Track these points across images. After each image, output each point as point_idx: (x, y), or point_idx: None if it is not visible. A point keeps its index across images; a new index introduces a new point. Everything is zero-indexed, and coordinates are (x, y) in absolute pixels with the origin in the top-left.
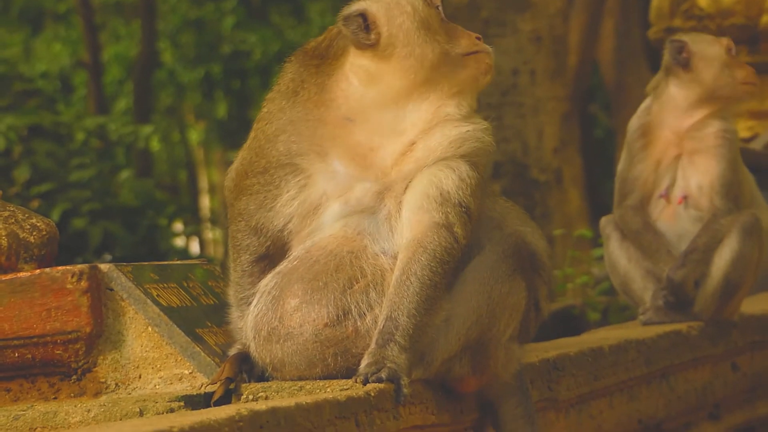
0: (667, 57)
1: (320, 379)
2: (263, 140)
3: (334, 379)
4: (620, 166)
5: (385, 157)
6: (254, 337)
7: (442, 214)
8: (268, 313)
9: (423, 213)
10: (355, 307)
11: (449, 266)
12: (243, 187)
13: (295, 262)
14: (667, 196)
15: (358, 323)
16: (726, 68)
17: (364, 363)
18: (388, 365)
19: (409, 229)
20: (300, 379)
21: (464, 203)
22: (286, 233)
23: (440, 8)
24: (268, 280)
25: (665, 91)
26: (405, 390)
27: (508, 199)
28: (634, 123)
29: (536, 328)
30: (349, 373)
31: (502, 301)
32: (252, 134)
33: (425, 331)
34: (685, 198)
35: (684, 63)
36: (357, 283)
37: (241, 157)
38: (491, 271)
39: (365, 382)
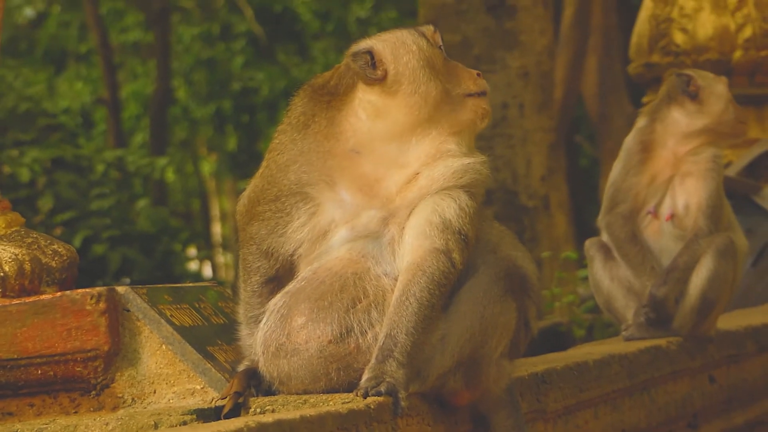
0: (671, 87)
1: (324, 392)
2: (275, 169)
3: (337, 392)
4: (614, 175)
5: (389, 186)
6: (263, 353)
7: (443, 240)
8: (276, 330)
9: (424, 239)
10: (358, 325)
11: (446, 289)
12: (255, 213)
13: (302, 283)
14: (655, 212)
15: (360, 340)
16: (730, 105)
17: (364, 378)
18: (387, 380)
19: (410, 253)
20: (305, 392)
21: (463, 231)
22: (295, 257)
23: (442, 48)
24: (277, 300)
25: (668, 116)
26: (403, 403)
27: (501, 225)
28: (635, 137)
29: (526, 344)
30: (350, 387)
31: (494, 321)
32: (264, 163)
33: (422, 348)
34: (672, 216)
35: (693, 95)
36: (360, 302)
37: (253, 185)
38: (485, 293)
39: (365, 395)
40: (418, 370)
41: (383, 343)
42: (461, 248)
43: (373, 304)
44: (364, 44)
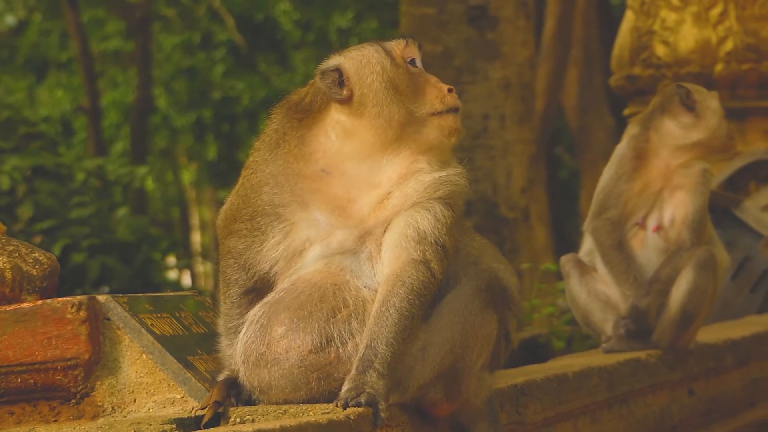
0: (666, 98)
1: (304, 402)
2: (249, 189)
3: (317, 402)
4: (604, 180)
5: (363, 207)
6: (243, 362)
7: (420, 251)
8: (256, 340)
9: (401, 250)
10: (338, 335)
11: (425, 299)
12: (232, 230)
13: (281, 294)
14: (642, 223)
15: (340, 350)
16: (723, 120)
17: (344, 388)
18: (367, 390)
19: (388, 265)
20: (285, 401)
21: (440, 241)
22: (272, 273)
23: (416, 60)
24: (257, 310)
25: (662, 126)
26: (382, 414)
27: (483, 237)
28: (629, 144)
29: (506, 356)
30: (331, 396)
31: (475, 333)
32: (240, 180)
33: (402, 358)
34: (658, 228)
35: (690, 108)
36: (340, 312)
37: (230, 201)
38: (466, 305)
39: (345, 406)
40: (399, 380)
41: (363, 354)
42: (440, 258)
43: (353, 314)
44: (333, 61)
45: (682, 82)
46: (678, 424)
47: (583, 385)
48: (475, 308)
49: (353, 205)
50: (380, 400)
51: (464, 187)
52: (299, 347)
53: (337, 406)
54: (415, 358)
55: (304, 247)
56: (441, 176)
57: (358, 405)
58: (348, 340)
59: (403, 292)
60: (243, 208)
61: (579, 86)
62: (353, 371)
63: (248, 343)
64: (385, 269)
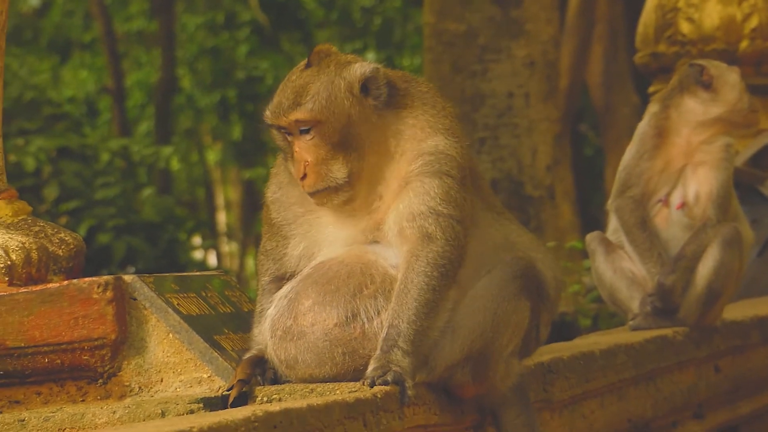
0: (683, 77)
1: (330, 378)
2: (268, 201)
3: (343, 380)
4: (626, 159)
5: (367, 218)
6: (271, 337)
7: (428, 226)
8: (284, 314)
9: (411, 229)
10: (364, 310)
11: (446, 271)
12: (265, 226)
13: (310, 270)
14: (666, 201)
15: (366, 326)
16: (744, 94)
17: (370, 367)
18: (393, 369)
19: (403, 244)
20: (311, 378)
21: (446, 212)
22: (300, 266)
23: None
24: (285, 288)
25: (682, 103)
26: (409, 392)
27: (521, 225)
28: (650, 122)
29: (535, 349)
30: (356, 374)
31: (506, 318)
32: (267, 185)
33: (427, 334)
34: (682, 205)
35: (706, 84)
36: (366, 288)
37: (264, 200)
38: (500, 290)
39: (372, 384)
40: (426, 358)
41: (387, 334)
42: (451, 226)
43: (380, 291)
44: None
45: (697, 60)
46: (704, 401)
47: (610, 362)
48: (508, 294)
49: (358, 219)
50: (407, 378)
51: (457, 153)
52: (324, 320)
53: (363, 384)
54: (444, 337)
55: (322, 246)
56: (430, 153)
57: (385, 383)
58: (374, 316)
59: (419, 267)
60: (266, 213)
61: (603, 64)
62: (378, 350)
63: (276, 317)
64: (402, 249)
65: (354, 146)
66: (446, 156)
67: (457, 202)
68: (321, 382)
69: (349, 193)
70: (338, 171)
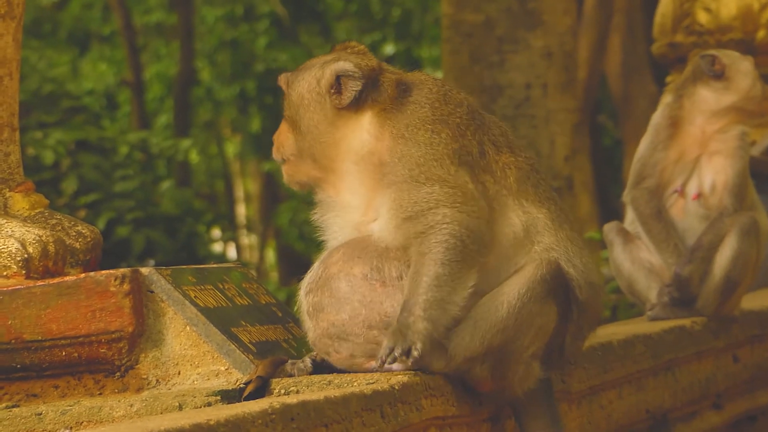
0: (695, 67)
1: (346, 324)
2: None
3: (356, 339)
4: (641, 150)
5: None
6: (305, 294)
7: (427, 194)
8: (317, 270)
9: (407, 208)
10: (388, 269)
11: (461, 238)
12: None
13: (338, 242)
14: (682, 191)
15: (387, 283)
16: (757, 82)
17: (383, 345)
18: (404, 340)
19: (413, 226)
20: (330, 327)
21: (434, 175)
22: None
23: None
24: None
25: (695, 93)
26: (415, 352)
27: (572, 227)
28: (663, 113)
29: (560, 362)
30: (369, 335)
31: (530, 319)
32: None
33: (444, 307)
34: (698, 195)
35: (718, 74)
36: (392, 252)
37: None
38: (527, 289)
39: (381, 364)
40: (446, 347)
41: (402, 306)
42: (446, 189)
43: (404, 260)
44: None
45: (709, 50)
46: (722, 391)
47: (628, 353)
48: (534, 295)
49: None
50: (416, 341)
51: (424, 111)
52: (350, 268)
53: (378, 363)
54: (465, 328)
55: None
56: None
57: (393, 360)
58: (396, 278)
59: (432, 239)
60: None
61: (621, 54)
62: (390, 330)
63: (310, 273)
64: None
65: (307, 130)
66: (415, 117)
67: (444, 159)
68: (338, 336)
69: (298, 170)
70: (288, 147)
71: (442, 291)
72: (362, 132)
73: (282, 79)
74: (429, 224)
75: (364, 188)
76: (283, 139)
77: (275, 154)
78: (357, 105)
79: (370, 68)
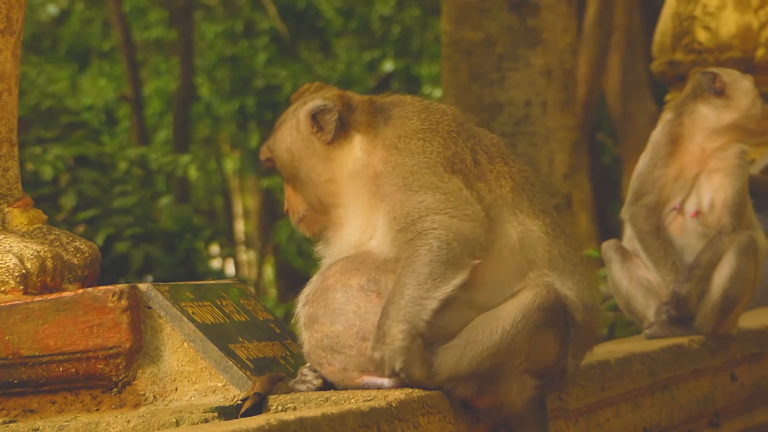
0: (696, 84)
1: (340, 335)
2: None
3: (350, 351)
4: (640, 167)
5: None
6: (303, 305)
7: (414, 204)
8: (315, 282)
9: (402, 217)
10: (385, 283)
11: (444, 241)
12: None
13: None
14: (680, 209)
15: (383, 297)
16: (757, 101)
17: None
18: (382, 351)
19: (403, 236)
20: (324, 338)
21: (417, 183)
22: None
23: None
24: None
25: (695, 110)
26: (397, 365)
27: (570, 245)
28: (663, 130)
29: (562, 382)
30: (361, 349)
31: (522, 346)
32: None
33: (422, 303)
34: (697, 213)
35: (719, 91)
36: (390, 266)
37: None
38: (522, 316)
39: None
40: (430, 361)
41: (381, 312)
42: (438, 196)
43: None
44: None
45: (710, 68)
46: (720, 410)
47: (626, 371)
48: (530, 323)
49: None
50: (394, 348)
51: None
52: (347, 279)
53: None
54: (454, 347)
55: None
56: (380, 164)
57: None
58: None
59: (415, 245)
60: None
61: (621, 72)
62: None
63: (309, 286)
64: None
65: (308, 179)
66: (405, 131)
67: (431, 168)
68: (331, 347)
69: (315, 221)
70: (299, 204)
71: (421, 289)
72: (355, 151)
73: (264, 152)
74: (417, 231)
75: (362, 206)
76: (294, 202)
77: (293, 220)
78: (343, 133)
79: (337, 96)
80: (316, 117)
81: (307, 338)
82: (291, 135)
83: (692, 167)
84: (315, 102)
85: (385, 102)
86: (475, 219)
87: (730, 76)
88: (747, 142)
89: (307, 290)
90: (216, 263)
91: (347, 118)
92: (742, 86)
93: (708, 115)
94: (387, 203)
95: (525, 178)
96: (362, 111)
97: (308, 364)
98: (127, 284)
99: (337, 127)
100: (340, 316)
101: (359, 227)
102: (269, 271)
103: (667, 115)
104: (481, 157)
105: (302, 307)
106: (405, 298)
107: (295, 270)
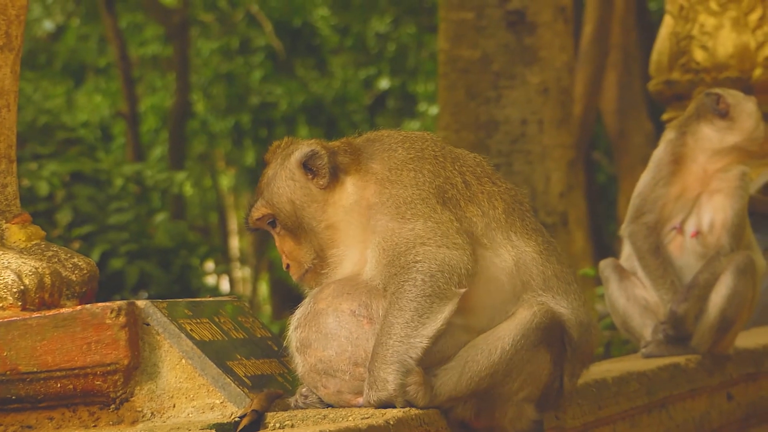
0: (699, 105)
1: (332, 359)
2: None
3: (343, 376)
4: (641, 185)
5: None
6: (294, 328)
7: (402, 244)
8: (306, 306)
9: (389, 246)
10: (376, 308)
11: (428, 273)
12: None
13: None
14: (680, 228)
15: (375, 322)
16: (761, 123)
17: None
18: (374, 390)
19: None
20: (319, 361)
21: (418, 212)
22: None
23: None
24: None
25: (698, 130)
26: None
27: (565, 264)
28: (666, 149)
29: (558, 401)
30: (355, 372)
31: (521, 366)
32: None
33: (411, 342)
34: (697, 233)
35: (723, 113)
36: (380, 293)
37: None
38: (520, 336)
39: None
40: (432, 384)
41: (371, 354)
42: (429, 225)
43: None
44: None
45: (714, 88)
46: (717, 429)
47: (623, 390)
48: (529, 343)
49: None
50: (387, 387)
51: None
52: (339, 304)
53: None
54: (454, 369)
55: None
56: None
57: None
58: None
59: (399, 279)
60: None
61: (617, 91)
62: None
63: (300, 308)
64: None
65: (310, 228)
66: (387, 160)
67: (415, 204)
68: (325, 371)
69: (324, 270)
70: (305, 255)
71: (408, 327)
72: (348, 190)
73: (259, 210)
74: (401, 266)
75: (356, 241)
76: (297, 254)
77: (297, 274)
78: (335, 176)
79: (318, 143)
80: (307, 164)
81: (300, 362)
82: (288, 186)
83: (694, 187)
84: (302, 150)
85: (362, 141)
86: (463, 248)
87: (734, 97)
88: (748, 164)
89: (299, 313)
90: (211, 280)
91: (334, 161)
92: (746, 108)
93: (711, 137)
94: (378, 234)
95: (513, 198)
96: (344, 153)
97: (303, 387)
98: (125, 301)
99: (330, 171)
100: (332, 341)
101: (354, 262)
102: (264, 288)
103: (669, 135)
104: (469, 178)
105: (294, 330)
106: (393, 338)
107: (290, 287)
